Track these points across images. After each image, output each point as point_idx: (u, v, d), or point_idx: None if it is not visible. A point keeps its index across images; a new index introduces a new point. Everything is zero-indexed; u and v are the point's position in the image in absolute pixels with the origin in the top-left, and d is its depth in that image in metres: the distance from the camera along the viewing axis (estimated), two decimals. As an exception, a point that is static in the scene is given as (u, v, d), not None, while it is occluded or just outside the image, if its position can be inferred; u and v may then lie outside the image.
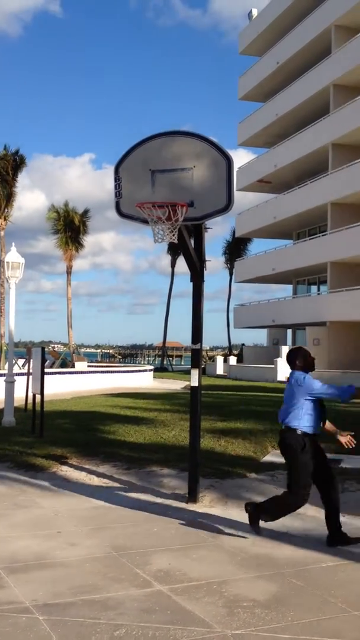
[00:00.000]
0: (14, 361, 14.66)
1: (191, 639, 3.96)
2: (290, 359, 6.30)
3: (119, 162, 7.50)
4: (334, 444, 10.29)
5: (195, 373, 7.54)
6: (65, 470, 8.85)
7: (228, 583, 4.90)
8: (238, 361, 38.38)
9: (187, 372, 7.86)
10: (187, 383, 8.25)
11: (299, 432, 5.86)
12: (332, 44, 32.47)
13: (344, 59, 31.08)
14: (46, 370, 15.58)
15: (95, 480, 8.37)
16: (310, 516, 6.92)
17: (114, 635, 3.99)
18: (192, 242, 7.60)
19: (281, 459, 9.30)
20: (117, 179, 7.48)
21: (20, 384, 17.69)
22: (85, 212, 45.09)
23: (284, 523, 6.60)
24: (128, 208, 7.38)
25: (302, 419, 5.90)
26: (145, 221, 7.16)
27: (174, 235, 7.00)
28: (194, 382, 7.54)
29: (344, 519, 6.76)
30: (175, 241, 7.11)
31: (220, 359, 39.98)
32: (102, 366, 33.90)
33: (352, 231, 29.86)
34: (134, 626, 4.12)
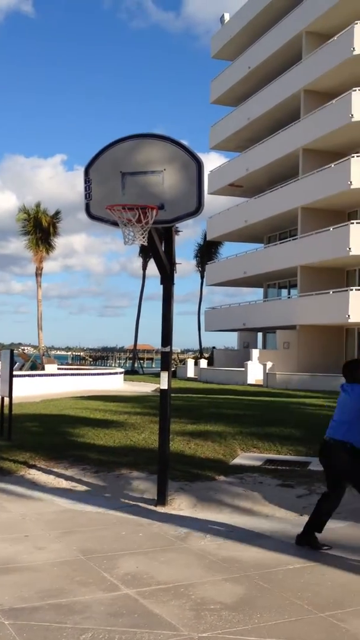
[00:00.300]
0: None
1: (158, 642, 3.96)
2: (353, 371, 5.98)
3: (89, 164, 7.48)
4: (304, 447, 10.40)
5: (165, 376, 7.54)
6: (33, 474, 8.78)
7: (195, 586, 4.90)
8: (209, 364, 38.48)
9: (158, 375, 7.86)
10: (158, 386, 8.25)
11: None
12: (303, 49, 32.79)
13: (315, 65, 31.41)
14: (15, 372, 15.43)
15: (63, 484, 8.32)
16: (278, 518, 6.97)
17: (80, 639, 3.97)
18: (163, 244, 7.60)
19: (250, 462, 9.37)
20: (87, 180, 7.46)
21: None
22: (56, 213, 44.78)
23: (251, 526, 6.63)
24: (98, 210, 7.37)
25: None
26: (115, 223, 7.15)
27: (144, 237, 7.00)
28: (164, 385, 7.54)
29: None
30: (146, 243, 7.12)
31: (191, 362, 40.05)
32: (72, 369, 33.71)
33: (322, 235, 30.18)
34: (100, 630, 4.10)
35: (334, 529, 6.56)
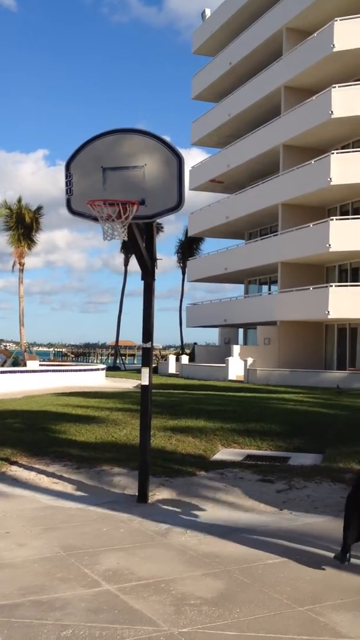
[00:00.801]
0: None
1: (138, 638, 3.97)
2: None
3: (70, 159, 7.46)
4: (284, 443, 10.46)
5: (145, 372, 7.54)
6: (15, 470, 8.74)
7: (176, 581, 4.92)
8: (190, 360, 38.53)
9: (140, 371, 7.86)
10: (139, 382, 8.25)
11: None
12: (284, 46, 32.88)
13: (295, 62, 31.51)
14: (-5, 369, 15.35)
15: (44, 480, 8.29)
16: (258, 512, 7.01)
17: (61, 636, 3.97)
18: (144, 240, 7.59)
19: (231, 457, 9.41)
20: (68, 175, 7.43)
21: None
22: (38, 209, 44.55)
23: (232, 520, 6.66)
24: (79, 205, 7.34)
25: None
26: (96, 219, 7.13)
27: (124, 233, 6.99)
28: (145, 381, 7.55)
29: (291, 515, 6.88)
30: (126, 239, 7.10)
31: (172, 358, 40.07)
32: (54, 365, 33.59)
33: (302, 232, 30.31)
34: (81, 626, 4.10)
35: (313, 522, 6.61)
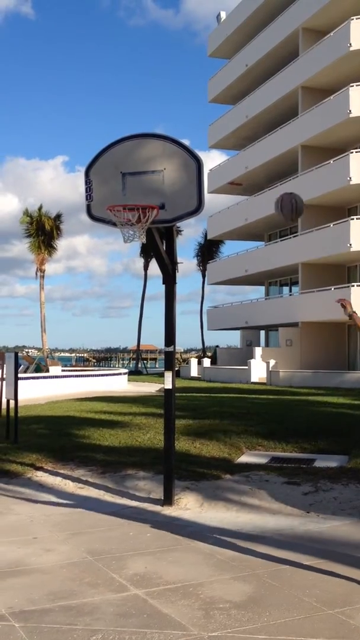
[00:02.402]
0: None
1: (168, 642, 3.96)
2: None
3: (89, 165, 7.49)
4: (309, 445, 10.40)
5: (169, 375, 7.54)
6: (40, 476, 8.79)
7: (204, 585, 4.91)
8: (212, 363, 38.48)
9: (162, 375, 7.86)
10: (162, 386, 8.25)
11: None
12: (300, 46, 32.77)
13: (312, 62, 31.39)
14: (20, 375, 15.43)
15: (70, 485, 8.33)
16: (285, 515, 6.97)
17: (91, 641, 3.97)
18: (164, 244, 7.60)
19: (256, 460, 9.37)
20: (88, 181, 7.46)
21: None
22: (58, 216, 44.91)
23: (258, 523, 6.64)
24: (99, 211, 7.38)
25: None
26: (117, 224, 7.15)
27: (143, 236, 7.01)
28: (168, 385, 7.54)
29: (318, 518, 6.83)
30: (145, 241, 7.12)
31: (194, 361, 40.05)
32: (76, 370, 33.74)
33: (322, 232, 30.15)
34: (110, 631, 4.10)
35: (341, 525, 6.56)
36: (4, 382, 13.48)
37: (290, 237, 34.20)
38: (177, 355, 58.06)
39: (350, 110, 28.15)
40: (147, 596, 4.69)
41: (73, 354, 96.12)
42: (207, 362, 38.15)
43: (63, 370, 29.53)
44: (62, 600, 4.61)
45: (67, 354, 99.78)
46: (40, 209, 44.33)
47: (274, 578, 5.04)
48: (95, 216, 7.45)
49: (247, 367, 31.75)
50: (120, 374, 30.58)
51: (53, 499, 7.75)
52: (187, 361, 43.35)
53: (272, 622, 4.23)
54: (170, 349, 7.59)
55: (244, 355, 35.87)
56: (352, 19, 28.32)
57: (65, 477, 8.68)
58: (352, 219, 28.73)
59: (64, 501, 7.64)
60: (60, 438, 11.16)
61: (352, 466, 8.77)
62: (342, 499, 7.36)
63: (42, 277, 44.25)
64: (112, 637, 4.02)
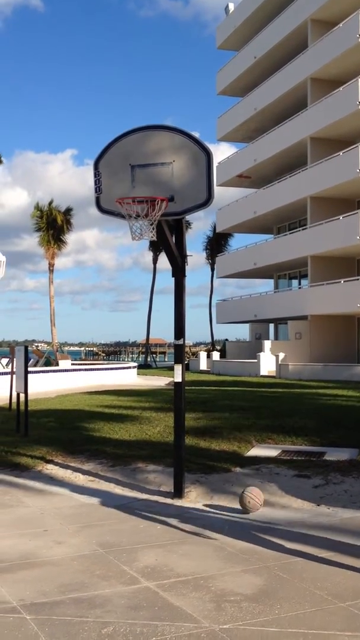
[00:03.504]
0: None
1: (179, 635, 3.96)
2: None
3: (98, 157, 7.46)
4: (319, 438, 10.37)
5: (178, 369, 7.53)
6: (51, 469, 8.81)
7: (215, 578, 4.90)
8: (221, 356, 38.46)
9: (171, 368, 7.85)
10: (171, 379, 8.24)
11: None
12: (309, 37, 32.58)
13: (321, 53, 31.21)
14: (30, 369, 15.48)
15: (80, 478, 8.34)
16: (295, 508, 6.96)
17: (102, 633, 3.98)
18: (173, 237, 7.57)
19: (266, 453, 9.35)
20: (97, 174, 7.44)
21: (4, 383, 17.60)
22: (68, 210, 44.91)
23: (269, 515, 6.62)
24: (108, 204, 7.35)
25: None
26: (127, 216, 7.12)
27: (153, 232, 6.97)
28: (178, 378, 7.53)
29: (329, 510, 6.81)
30: (155, 238, 7.09)
31: (203, 355, 40.03)
32: (86, 364, 33.80)
33: (331, 225, 30.02)
34: (121, 623, 4.10)
35: (352, 517, 6.54)
36: (14, 376, 13.52)
37: (299, 230, 34.07)
38: (187, 349, 58.01)
39: (359, 102, 27.97)
40: (158, 588, 4.69)
41: (82, 348, 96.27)
42: (216, 355, 38.12)
43: (73, 364, 29.59)
44: (73, 592, 4.62)
45: (76, 348, 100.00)
46: (50, 203, 44.37)
47: (285, 571, 5.03)
48: (104, 209, 7.43)
49: (256, 361, 31.71)
50: (129, 367, 30.61)
51: (63, 491, 7.77)
52: (196, 355, 43.33)
53: (283, 615, 4.22)
54: (180, 341, 7.57)
55: (253, 348, 35.83)
56: (362, 10, 28.11)
57: (75, 470, 8.70)
58: (362, 211, 28.58)
59: (75, 494, 7.65)
60: (70, 431, 11.19)
61: (363, 459, 8.73)
62: (353, 492, 7.33)
63: (52, 271, 44.31)
64: (123, 630, 4.02)
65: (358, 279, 28.68)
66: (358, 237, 27.89)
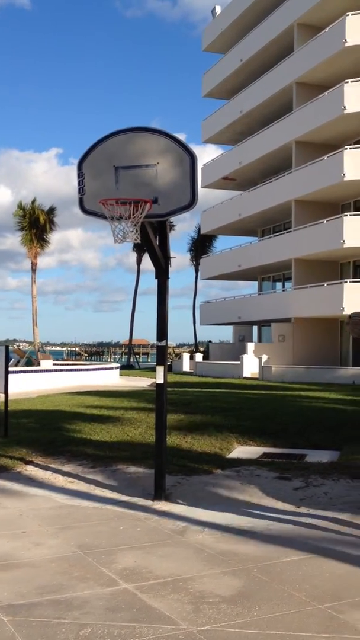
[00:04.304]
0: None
1: (157, 637, 3.96)
2: None
3: (82, 158, 7.45)
4: (300, 440, 10.41)
5: (160, 370, 7.53)
6: (30, 470, 8.76)
7: (194, 579, 4.90)
8: (204, 358, 38.48)
9: (154, 370, 7.84)
10: (154, 380, 8.24)
11: None
12: (295, 42, 32.71)
13: (307, 57, 31.33)
14: (11, 369, 15.40)
15: (60, 480, 8.31)
16: (275, 510, 6.98)
17: (79, 635, 3.96)
18: (157, 239, 7.57)
19: (247, 455, 9.38)
20: (81, 174, 7.42)
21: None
22: (52, 209, 44.73)
23: (248, 519, 6.64)
24: (92, 204, 7.33)
25: None
26: (110, 218, 7.11)
27: (136, 234, 6.97)
28: (160, 379, 7.53)
29: (309, 513, 6.84)
30: (138, 241, 7.09)
31: (186, 356, 40.04)
32: (68, 364, 33.69)
33: (315, 228, 30.17)
34: (99, 625, 4.09)
35: (330, 521, 6.57)
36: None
37: (283, 233, 34.20)
38: (170, 350, 58.01)
39: (344, 107, 28.13)
40: (136, 590, 4.68)
41: (65, 348, 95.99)
42: (199, 357, 38.15)
43: (54, 364, 29.48)
44: (51, 594, 4.60)
45: (58, 348, 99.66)
46: (33, 202, 44.17)
47: (264, 573, 5.04)
48: (87, 210, 7.41)
49: (239, 362, 31.77)
50: (112, 368, 30.56)
51: (42, 493, 7.73)
52: (179, 356, 43.34)
53: (261, 617, 4.23)
54: (163, 343, 7.58)
55: (237, 350, 35.90)
56: (348, 15, 28.27)
57: (55, 471, 8.67)
58: (346, 215, 28.76)
59: (54, 495, 7.62)
60: (50, 432, 11.14)
61: (343, 461, 8.79)
62: (332, 494, 7.37)
63: (35, 270, 44.12)
64: (101, 631, 4.01)
65: (341, 283, 28.84)
66: (342, 241, 28.05)
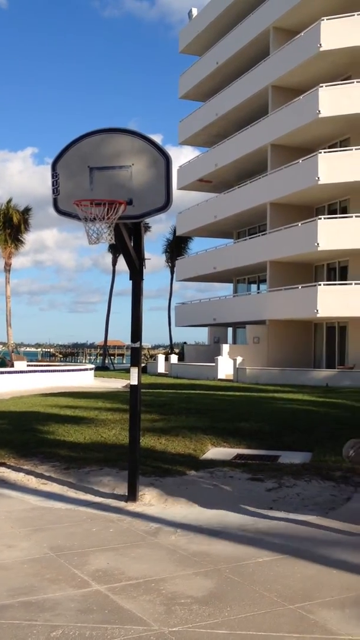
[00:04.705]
0: None
1: (128, 638, 3.96)
2: None
3: (56, 158, 7.42)
4: (274, 441, 10.48)
5: (134, 371, 7.53)
6: (3, 472, 8.70)
7: (166, 581, 4.91)
8: (179, 359, 38.54)
9: (129, 371, 7.84)
10: (128, 382, 8.24)
11: None
12: (271, 45, 32.93)
13: (282, 61, 31.56)
14: (-16, 370, 15.28)
15: (33, 481, 8.26)
16: (248, 511, 7.01)
17: (51, 637, 3.95)
18: (132, 240, 7.57)
19: (221, 457, 9.41)
20: (55, 175, 7.39)
21: None
22: (27, 209, 44.50)
23: (221, 520, 6.67)
24: (66, 205, 7.31)
25: None
26: (84, 219, 7.10)
27: (110, 235, 6.96)
28: (134, 381, 7.53)
29: (281, 514, 6.89)
30: (112, 241, 7.09)
31: (161, 358, 40.05)
32: (42, 365, 33.49)
33: (290, 231, 30.39)
34: (71, 626, 4.08)
35: (301, 521, 6.62)
36: (-32, 377, 13.32)
37: (259, 236, 34.40)
38: (145, 352, 57.99)
39: (319, 111, 28.39)
40: (108, 592, 4.68)
41: (39, 349, 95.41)
42: (174, 358, 38.18)
43: (28, 365, 29.30)
44: (22, 596, 4.58)
45: (33, 349, 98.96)
46: (9, 202, 43.90)
47: (236, 573, 5.07)
48: (62, 210, 7.39)
49: (214, 364, 31.88)
50: (86, 369, 30.45)
51: (15, 494, 7.68)
52: (154, 357, 43.34)
53: (233, 617, 4.25)
54: (137, 345, 7.58)
55: (212, 352, 36.00)
56: (323, 20, 28.54)
57: (28, 472, 8.61)
58: (320, 218, 29.02)
59: (27, 497, 7.57)
60: (23, 433, 11.07)
61: (315, 463, 8.86)
62: (304, 495, 7.43)
63: (9, 270, 43.84)
64: (72, 633, 4.00)
65: (315, 285, 29.08)
66: (316, 244, 28.29)
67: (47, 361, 58.52)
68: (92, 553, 5.55)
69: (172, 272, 51.69)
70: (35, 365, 31.47)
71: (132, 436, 7.51)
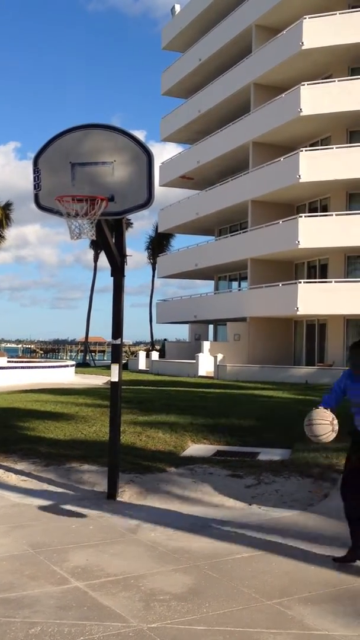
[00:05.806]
0: None
1: (107, 634, 3.97)
2: None
3: (38, 154, 7.40)
4: (253, 438, 10.52)
5: (115, 368, 7.53)
6: (-18, 468, 8.65)
7: (145, 577, 4.93)
8: (160, 356, 38.53)
9: (110, 368, 7.84)
10: (109, 378, 8.23)
11: None
12: (253, 43, 32.95)
13: (264, 59, 31.60)
14: None
15: (12, 478, 8.23)
16: (227, 507, 7.05)
17: (29, 633, 3.95)
18: (113, 237, 7.56)
19: (201, 453, 9.45)
20: (36, 170, 7.37)
21: None
22: (8, 205, 44.21)
23: (201, 516, 6.69)
24: (48, 201, 7.29)
25: None
26: (66, 214, 7.08)
27: (92, 231, 6.95)
28: (114, 378, 7.53)
29: (260, 510, 6.93)
30: (94, 238, 7.08)
31: (142, 354, 40.02)
32: (22, 362, 33.30)
33: (271, 228, 30.48)
34: (49, 623, 4.08)
35: (280, 517, 6.67)
36: None
37: (240, 233, 34.47)
38: (126, 348, 57.93)
39: (301, 109, 28.47)
40: (87, 588, 4.68)
41: (20, 345, 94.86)
42: (155, 355, 38.17)
43: (8, 362, 29.12)
44: (1, 593, 4.56)
45: (13, 345, 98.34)
46: (-11, 197, 43.56)
47: (214, 569, 5.10)
48: (43, 206, 7.36)
49: (195, 361, 31.91)
50: (67, 366, 30.33)
51: (-5, 491, 7.64)
52: (135, 354, 43.30)
53: (211, 613, 4.28)
54: (118, 341, 7.58)
55: (193, 349, 36.03)
56: (305, 18, 28.61)
57: (7, 469, 8.58)
58: (301, 216, 29.14)
59: (6, 493, 7.54)
60: (3, 430, 11.01)
61: (294, 459, 8.91)
62: (283, 492, 7.48)
63: (-11, 266, 43.54)
64: (51, 630, 4.00)
65: (296, 283, 29.21)
66: (297, 242, 28.41)
67: (27, 357, 58.23)
68: (71, 550, 5.55)
69: (153, 269, 51.64)
70: (15, 362, 31.30)
71: (112, 433, 7.51)
